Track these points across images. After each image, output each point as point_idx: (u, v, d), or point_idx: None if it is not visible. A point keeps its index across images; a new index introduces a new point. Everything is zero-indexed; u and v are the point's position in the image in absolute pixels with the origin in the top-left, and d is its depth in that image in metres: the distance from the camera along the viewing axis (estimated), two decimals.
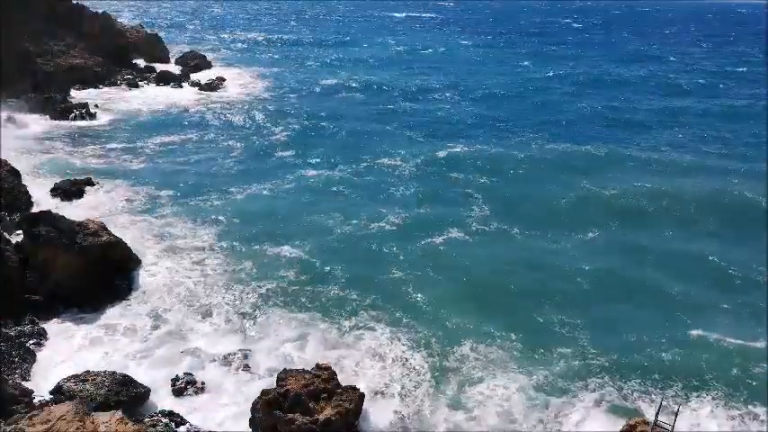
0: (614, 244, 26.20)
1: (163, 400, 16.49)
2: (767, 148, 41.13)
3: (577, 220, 28.22)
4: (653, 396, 16.83)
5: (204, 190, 31.28)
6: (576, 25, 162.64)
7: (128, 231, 25.17)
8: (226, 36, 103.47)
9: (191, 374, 17.27)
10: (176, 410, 15.87)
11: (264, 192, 31.47)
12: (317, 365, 15.99)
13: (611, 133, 45.18)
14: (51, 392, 15.83)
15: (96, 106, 46.98)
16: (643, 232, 27.52)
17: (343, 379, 16.23)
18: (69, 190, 28.46)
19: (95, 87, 55.20)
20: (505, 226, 27.64)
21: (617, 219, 28.65)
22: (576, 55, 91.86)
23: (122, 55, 63.79)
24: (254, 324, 19.80)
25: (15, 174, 28.49)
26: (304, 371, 15.82)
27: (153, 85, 59.21)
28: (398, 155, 37.80)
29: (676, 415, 14.66)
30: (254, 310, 20.54)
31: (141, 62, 65.82)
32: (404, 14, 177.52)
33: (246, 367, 17.80)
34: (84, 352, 18.17)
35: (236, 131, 43.52)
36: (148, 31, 74.85)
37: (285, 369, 16.11)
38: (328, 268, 23.39)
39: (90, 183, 29.66)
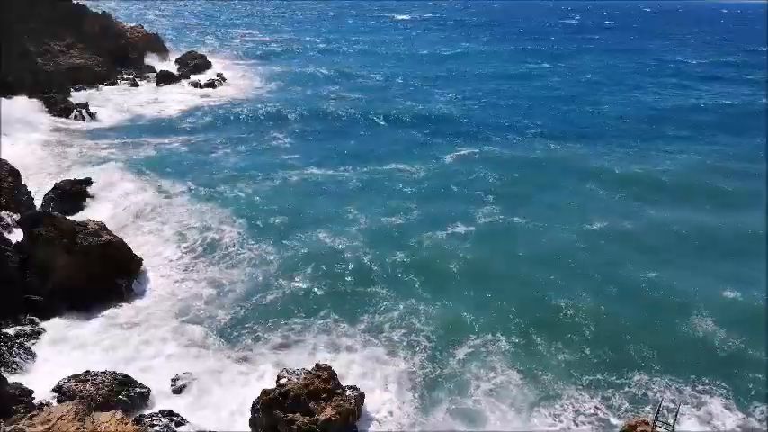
0: (619, 243, 26.14)
1: (163, 400, 16.47)
2: None
3: (583, 221, 28.18)
4: (653, 396, 16.82)
5: (205, 190, 31.21)
6: (579, 26, 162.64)
7: (128, 231, 25.18)
8: (227, 36, 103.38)
9: (190, 374, 17.24)
10: (176, 410, 15.85)
11: (268, 192, 31.40)
12: (317, 365, 15.98)
13: (620, 138, 44.47)
14: (51, 392, 15.82)
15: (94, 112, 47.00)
16: (648, 232, 27.48)
17: (343, 379, 16.22)
18: (69, 190, 28.42)
19: (95, 87, 55.21)
20: (511, 227, 27.67)
21: (623, 220, 28.58)
22: (587, 58, 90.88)
23: (122, 55, 63.84)
24: (254, 324, 19.78)
25: (15, 174, 28.48)
26: (304, 371, 15.82)
27: (153, 85, 59.27)
28: (403, 157, 37.70)
29: (676, 415, 14.67)
30: (255, 310, 20.54)
31: (141, 62, 65.77)
32: (407, 16, 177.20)
33: (247, 367, 17.77)
34: (84, 352, 18.14)
35: (237, 131, 43.47)
36: (148, 31, 74.81)
37: (285, 369, 16.12)
38: (331, 269, 23.38)
39: (89, 183, 29.64)
